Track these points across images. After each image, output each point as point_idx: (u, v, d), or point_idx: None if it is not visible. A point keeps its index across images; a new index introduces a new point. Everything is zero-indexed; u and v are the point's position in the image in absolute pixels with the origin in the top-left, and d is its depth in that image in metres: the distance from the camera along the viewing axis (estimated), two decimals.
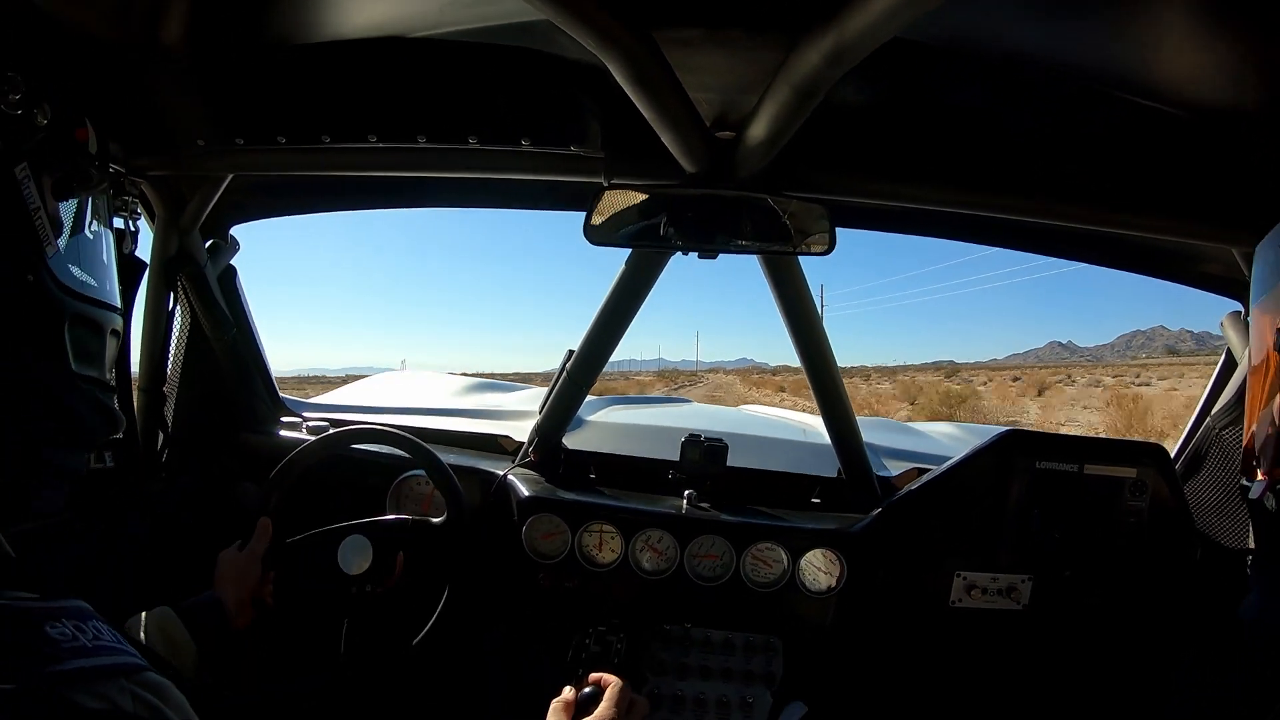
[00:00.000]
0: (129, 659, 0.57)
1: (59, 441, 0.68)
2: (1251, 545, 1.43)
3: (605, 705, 1.02)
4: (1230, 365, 1.52)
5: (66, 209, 0.70)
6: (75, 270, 0.70)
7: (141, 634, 1.04)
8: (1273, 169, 1.12)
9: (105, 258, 0.77)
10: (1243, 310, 1.48)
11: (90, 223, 0.75)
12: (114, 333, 0.77)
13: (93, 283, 0.73)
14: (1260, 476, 0.84)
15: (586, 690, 1.06)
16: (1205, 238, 1.26)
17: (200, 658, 1.08)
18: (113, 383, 0.77)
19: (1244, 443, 0.94)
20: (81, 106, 0.74)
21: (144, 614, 1.07)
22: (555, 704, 1.04)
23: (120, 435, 1.48)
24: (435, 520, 1.33)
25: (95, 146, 0.76)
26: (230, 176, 1.46)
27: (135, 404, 1.55)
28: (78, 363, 0.69)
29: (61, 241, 0.68)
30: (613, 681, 1.05)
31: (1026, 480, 1.41)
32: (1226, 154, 1.11)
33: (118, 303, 0.78)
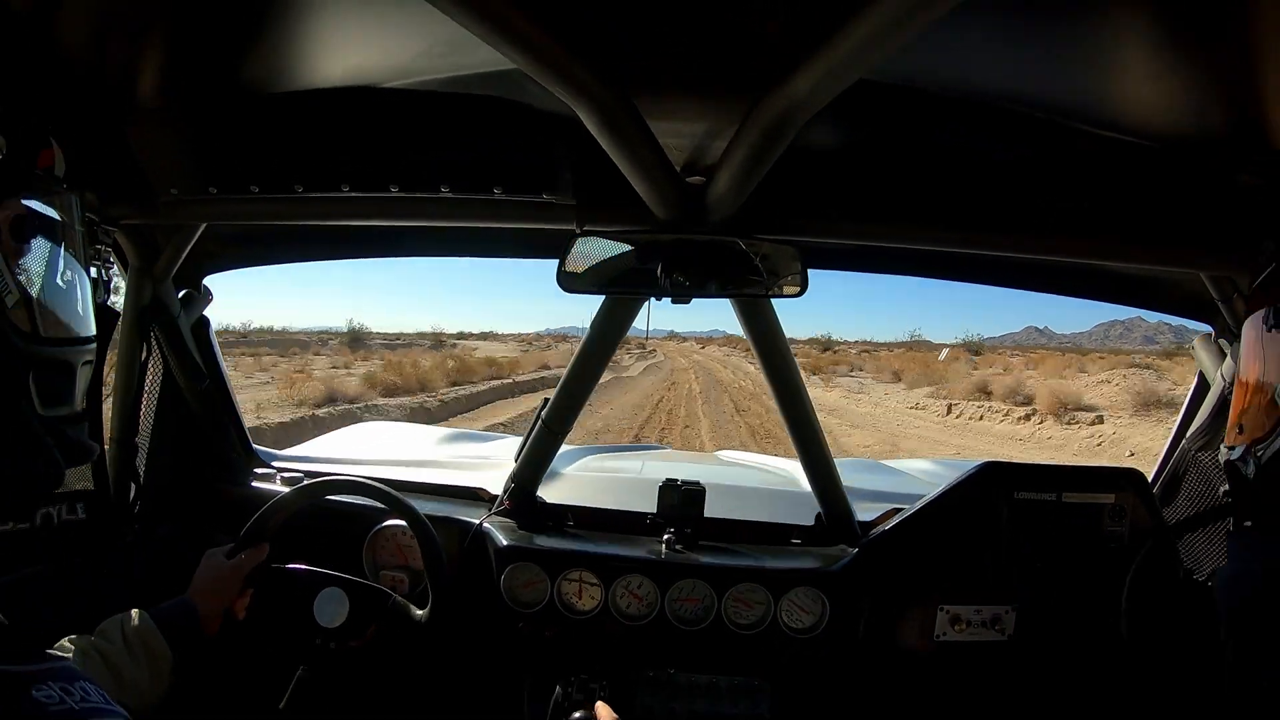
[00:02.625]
0: (116, 718, 0.57)
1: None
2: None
3: None
4: (1203, 387, 1.54)
5: (35, 246, 0.69)
6: (42, 312, 0.69)
7: (121, 639, 1.05)
8: (1236, 194, 1.15)
9: (77, 291, 0.75)
10: (1213, 332, 1.51)
11: (60, 260, 0.73)
12: (86, 363, 0.76)
13: (63, 321, 0.72)
14: (1238, 441, 0.89)
15: (577, 716, 1.08)
16: (1173, 263, 1.28)
17: (176, 665, 1.09)
18: (83, 411, 0.76)
19: (1230, 418, 0.98)
20: (44, 128, 0.72)
21: (120, 618, 1.08)
22: None
23: (91, 484, 1.47)
24: (418, 613, 1.30)
25: (62, 168, 0.75)
26: (203, 226, 1.45)
27: (107, 455, 1.52)
28: (44, 406, 0.68)
29: (30, 288, 0.67)
30: (604, 709, 1.07)
31: (1006, 511, 1.42)
32: (1191, 181, 1.14)
33: (91, 331, 0.77)
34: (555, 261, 1.17)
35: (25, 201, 0.68)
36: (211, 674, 1.23)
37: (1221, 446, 1.01)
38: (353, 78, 1.11)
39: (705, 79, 1.02)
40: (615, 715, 1.07)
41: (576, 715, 1.09)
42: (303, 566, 1.29)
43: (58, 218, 0.73)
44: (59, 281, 0.72)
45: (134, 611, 1.11)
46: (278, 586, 1.27)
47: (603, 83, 0.89)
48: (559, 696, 1.21)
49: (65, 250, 0.74)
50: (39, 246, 0.69)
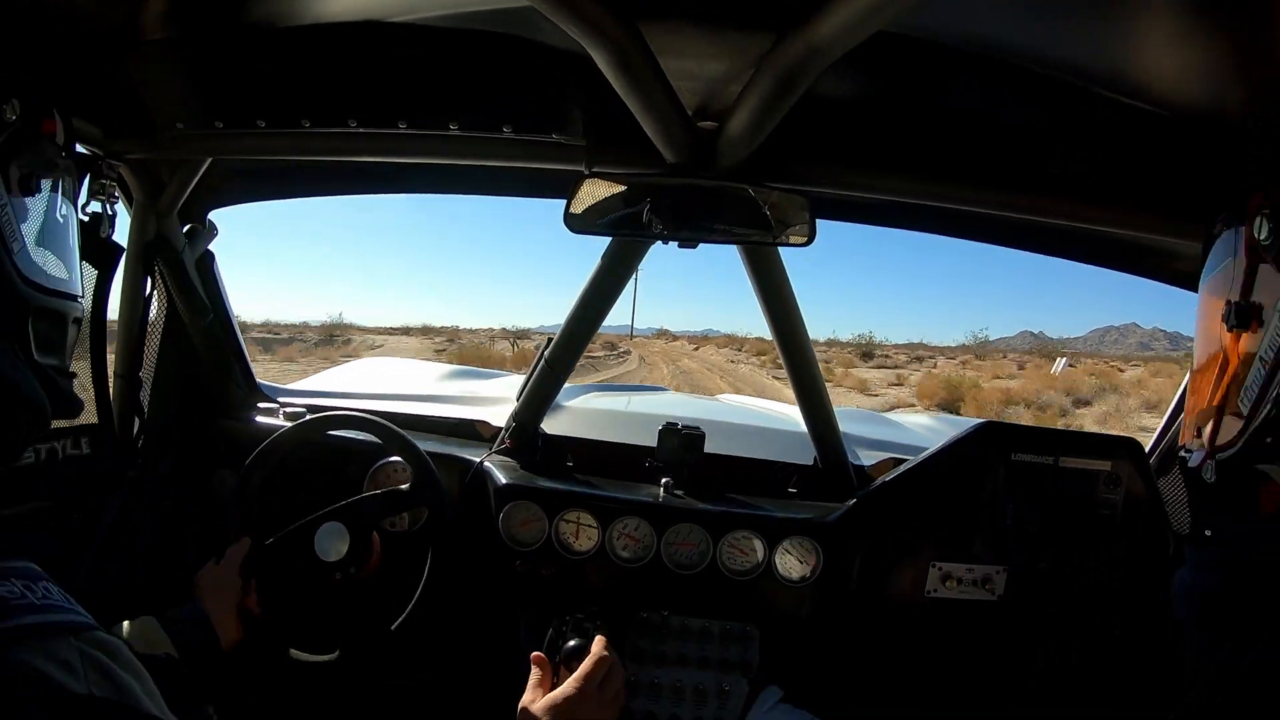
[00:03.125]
0: (78, 617, 0.56)
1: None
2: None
3: (591, 658, 1.08)
4: None
5: (34, 202, 0.71)
6: (41, 264, 0.71)
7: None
8: (1242, 167, 1.14)
9: (70, 245, 0.78)
10: None
11: (58, 212, 0.76)
12: (75, 320, 0.78)
13: (60, 275, 0.74)
14: (1201, 445, 0.86)
15: (573, 643, 1.11)
16: (1177, 234, 1.28)
17: (189, 673, 1.05)
18: (72, 369, 0.79)
19: (1186, 416, 0.93)
20: (51, 97, 0.74)
21: (126, 623, 1.04)
22: (534, 656, 1.11)
23: (95, 419, 1.48)
24: (403, 487, 1.33)
25: (63, 137, 0.77)
26: (209, 161, 1.44)
27: (110, 390, 1.54)
28: (40, 352, 0.70)
29: (28, 237, 0.69)
30: (601, 641, 1.11)
31: (1002, 472, 1.43)
32: (1200, 151, 1.13)
33: (79, 291, 0.80)
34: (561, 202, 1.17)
35: (32, 164, 0.71)
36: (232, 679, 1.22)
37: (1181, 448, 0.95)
38: (361, 12, 1.09)
39: (721, 20, 1.00)
40: (610, 648, 1.10)
41: (571, 643, 1.12)
42: (287, 530, 1.29)
43: (59, 181, 0.76)
44: (58, 239, 0.75)
45: (147, 619, 1.06)
46: (274, 560, 1.27)
47: (616, 19, 0.87)
48: (553, 635, 1.24)
49: (62, 212, 0.77)
50: (42, 204, 0.73)
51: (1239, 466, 0.79)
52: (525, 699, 1.06)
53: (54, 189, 0.75)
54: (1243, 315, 0.77)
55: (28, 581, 0.55)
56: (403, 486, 1.35)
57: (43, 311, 0.71)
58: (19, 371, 0.67)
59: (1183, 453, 0.91)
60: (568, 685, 1.05)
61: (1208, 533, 0.97)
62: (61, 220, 0.76)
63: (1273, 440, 0.73)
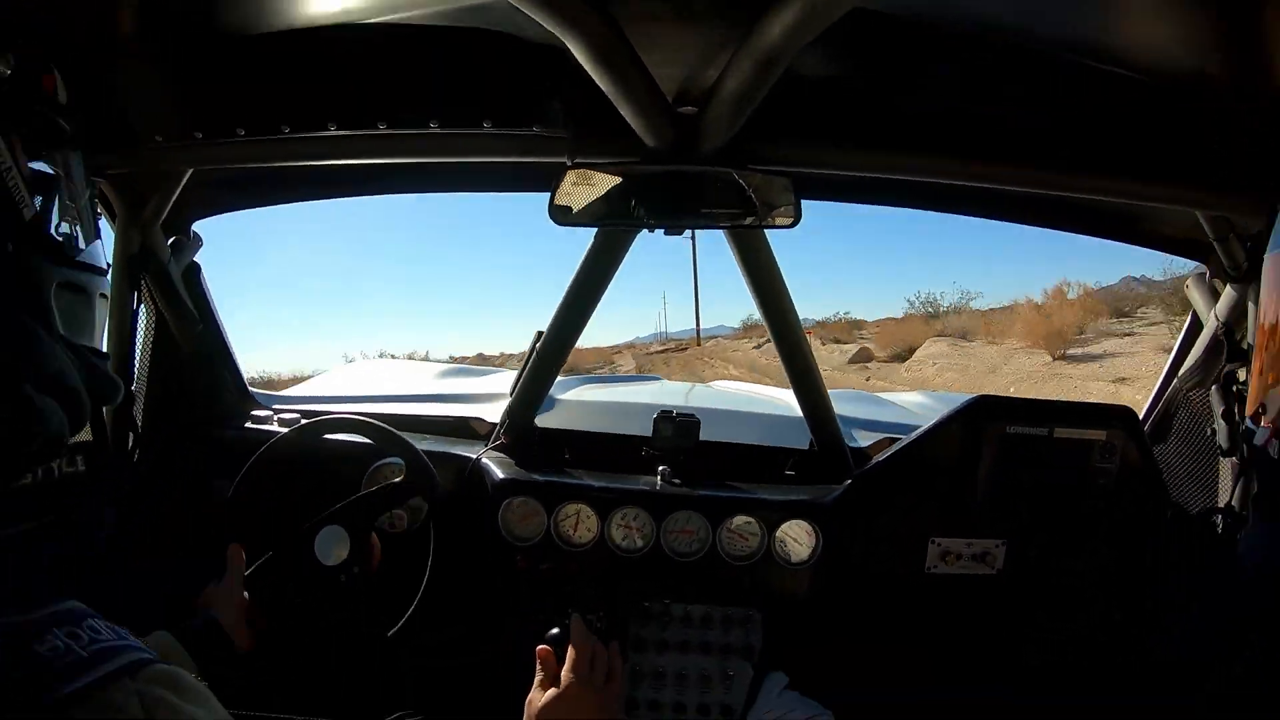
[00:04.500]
0: (131, 656, 0.52)
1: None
2: (1221, 503, 1.47)
3: (571, 649, 1.09)
4: (1195, 327, 1.55)
5: (41, 166, 0.66)
6: (56, 231, 0.66)
7: None
8: (1235, 134, 1.14)
9: (86, 216, 0.72)
10: (1206, 272, 1.51)
11: (70, 178, 0.70)
12: (103, 296, 0.73)
13: (78, 244, 0.68)
14: (1265, 424, 0.86)
15: (554, 632, 1.13)
16: (1170, 201, 1.28)
17: (206, 683, 1.04)
18: (105, 349, 0.73)
19: (1250, 392, 0.93)
20: (48, 53, 0.70)
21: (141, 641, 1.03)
22: (540, 650, 1.11)
23: (89, 436, 1.47)
24: (396, 480, 1.33)
25: (65, 95, 0.73)
26: (190, 171, 1.44)
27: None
28: (67, 330, 0.64)
29: (39, 201, 0.64)
30: (578, 623, 1.13)
31: (997, 445, 1.43)
32: (1191, 120, 1.13)
33: (102, 263, 0.74)
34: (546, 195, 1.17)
35: (35, 123, 0.66)
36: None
37: (1248, 423, 0.92)
38: (336, 15, 1.08)
39: (697, 4, 1.00)
40: (588, 632, 1.11)
41: (553, 631, 1.13)
42: (283, 538, 1.27)
43: (66, 142, 0.71)
44: (70, 204, 0.69)
45: (160, 633, 1.04)
46: (275, 570, 1.26)
47: (592, 10, 0.87)
48: (558, 631, 1.24)
49: (72, 178, 0.70)
50: (49, 167, 0.67)
51: None
52: (532, 695, 1.08)
53: (64, 162, 0.68)
54: None
55: (71, 627, 0.51)
56: (396, 479, 1.34)
57: (66, 284, 0.65)
58: (51, 354, 0.61)
59: (1249, 425, 0.91)
60: (561, 678, 1.07)
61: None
62: (74, 191, 0.69)
63: None
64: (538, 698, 1.06)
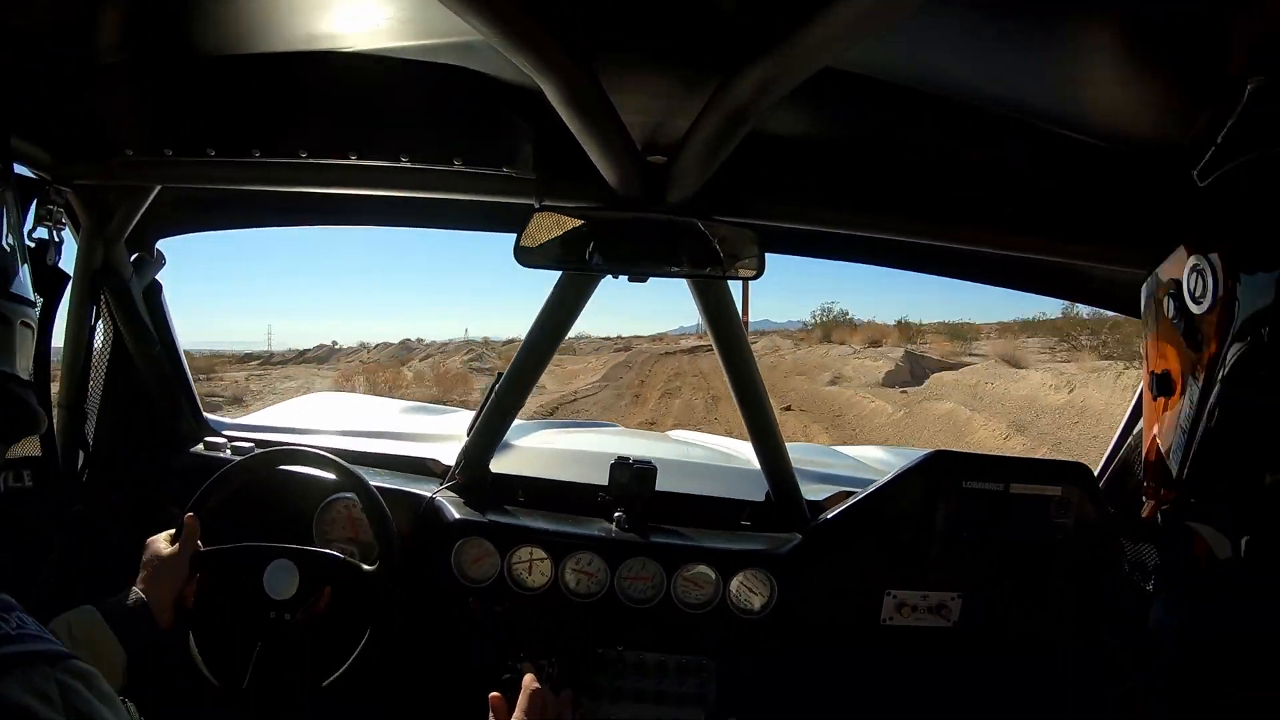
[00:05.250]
0: (54, 646, 0.56)
1: None
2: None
3: (524, 694, 1.07)
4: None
5: None
6: None
7: (68, 639, 0.99)
8: (1175, 196, 1.18)
9: (7, 245, 0.73)
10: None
11: (6, 213, 0.72)
12: (25, 324, 0.74)
13: (7, 276, 0.70)
14: (1147, 498, 0.88)
15: (506, 678, 1.15)
16: (1115, 261, 1.31)
17: (130, 663, 1.04)
18: (27, 378, 0.74)
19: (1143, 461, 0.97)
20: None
21: (67, 615, 1.03)
22: (492, 698, 1.08)
23: (38, 451, 1.43)
24: (366, 568, 1.30)
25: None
26: (158, 188, 1.42)
27: (55, 420, 1.49)
28: None
29: None
30: (529, 675, 1.11)
31: (954, 499, 1.44)
32: (1141, 183, 1.16)
33: (29, 294, 0.75)
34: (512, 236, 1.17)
35: None
36: (165, 669, 1.19)
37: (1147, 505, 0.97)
38: (313, 42, 1.09)
39: (671, 57, 1.02)
40: (537, 683, 1.09)
41: (505, 677, 1.14)
42: (247, 544, 1.26)
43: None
44: (7, 238, 0.72)
45: (85, 609, 1.05)
46: (224, 566, 1.24)
47: (567, 56, 0.88)
48: (509, 676, 1.22)
49: (8, 214, 0.74)
50: None
51: (1175, 521, 0.82)
52: None
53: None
54: (1163, 384, 0.80)
55: (2, 612, 0.55)
56: (365, 567, 1.30)
57: None
58: None
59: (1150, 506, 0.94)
60: None
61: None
62: (14, 222, 0.73)
63: (1196, 501, 0.75)
64: None
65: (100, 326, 1.53)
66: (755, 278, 1.18)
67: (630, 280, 1.19)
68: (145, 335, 1.54)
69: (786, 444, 1.53)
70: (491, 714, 1.07)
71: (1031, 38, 0.90)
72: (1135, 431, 1.58)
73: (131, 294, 1.51)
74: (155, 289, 1.60)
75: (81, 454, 1.53)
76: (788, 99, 0.90)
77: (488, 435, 1.54)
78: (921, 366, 19.15)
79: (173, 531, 1.22)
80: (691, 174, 1.09)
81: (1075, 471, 1.47)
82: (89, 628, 1.02)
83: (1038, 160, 1.18)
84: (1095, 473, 1.55)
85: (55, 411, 1.48)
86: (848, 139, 1.21)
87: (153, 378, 1.60)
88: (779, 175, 1.22)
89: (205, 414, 1.71)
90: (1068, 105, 1.06)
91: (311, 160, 1.21)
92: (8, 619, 0.55)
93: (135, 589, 1.12)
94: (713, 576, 1.41)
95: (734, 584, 1.42)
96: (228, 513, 1.32)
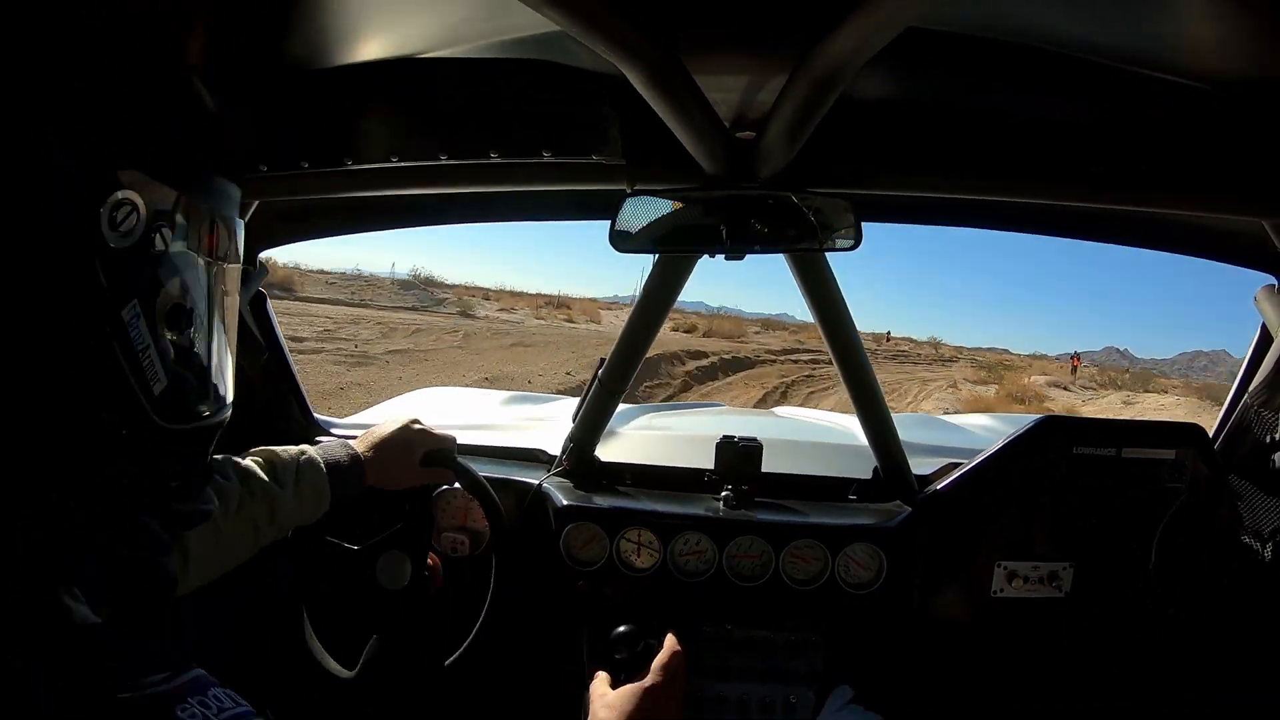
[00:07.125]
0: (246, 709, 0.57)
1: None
2: None
3: (666, 650, 1.11)
4: (1265, 341, 1.50)
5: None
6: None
7: (294, 476, 1.15)
8: None
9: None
10: (1276, 284, 1.46)
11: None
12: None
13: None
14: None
15: (621, 656, 1.14)
16: (1235, 211, 1.24)
17: (332, 513, 1.21)
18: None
19: None
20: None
21: (296, 454, 1.18)
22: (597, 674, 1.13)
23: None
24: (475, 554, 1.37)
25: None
26: (256, 204, 1.48)
27: None
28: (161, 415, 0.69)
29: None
30: (671, 640, 1.14)
31: (1064, 467, 1.40)
32: (1253, 125, 1.09)
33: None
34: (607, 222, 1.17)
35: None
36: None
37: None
38: (395, 50, 1.11)
39: (752, 32, 1.01)
40: (679, 647, 1.11)
41: (619, 656, 1.13)
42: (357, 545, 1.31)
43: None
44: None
45: (310, 450, 1.20)
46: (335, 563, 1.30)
47: (649, 40, 0.88)
48: (611, 653, 1.24)
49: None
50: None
51: None
52: (596, 692, 1.09)
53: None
54: None
55: (201, 697, 0.55)
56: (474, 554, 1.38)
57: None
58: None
59: None
60: (650, 676, 1.07)
61: None
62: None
63: None
64: (604, 693, 1.07)
65: None
66: (853, 248, 1.16)
67: (727, 258, 1.19)
68: (254, 345, 1.61)
69: (893, 415, 1.51)
70: (593, 685, 1.10)
71: None
72: (1250, 390, 1.50)
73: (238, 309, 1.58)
74: (260, 300, 1.67)
75: None
76: (874, 63, 0.87)
77: (594, 419, 1.55)
78: None
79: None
80: (781, 147, 1.07)
81: (1190, 433, 1.41)
82: (310, 471, 1.17)
83: (1137, 109, 1.12)
84: (1210, 434, 1.48)
85: None
86: (939, 100, 1.17)
87: (263, 385, 1.67)
88: (871, 142, 1.19)
89: (315, 414, 1.78)
90: (1167, 47, 1.00)
91: (402, 164, 1.24)
92: (208, 704, 0.54)
93: (354, 450, 1.27)
94: (821, 552, 1.40)
95: (842, 559, 1.41)
96: (333, 513, 1.38)
